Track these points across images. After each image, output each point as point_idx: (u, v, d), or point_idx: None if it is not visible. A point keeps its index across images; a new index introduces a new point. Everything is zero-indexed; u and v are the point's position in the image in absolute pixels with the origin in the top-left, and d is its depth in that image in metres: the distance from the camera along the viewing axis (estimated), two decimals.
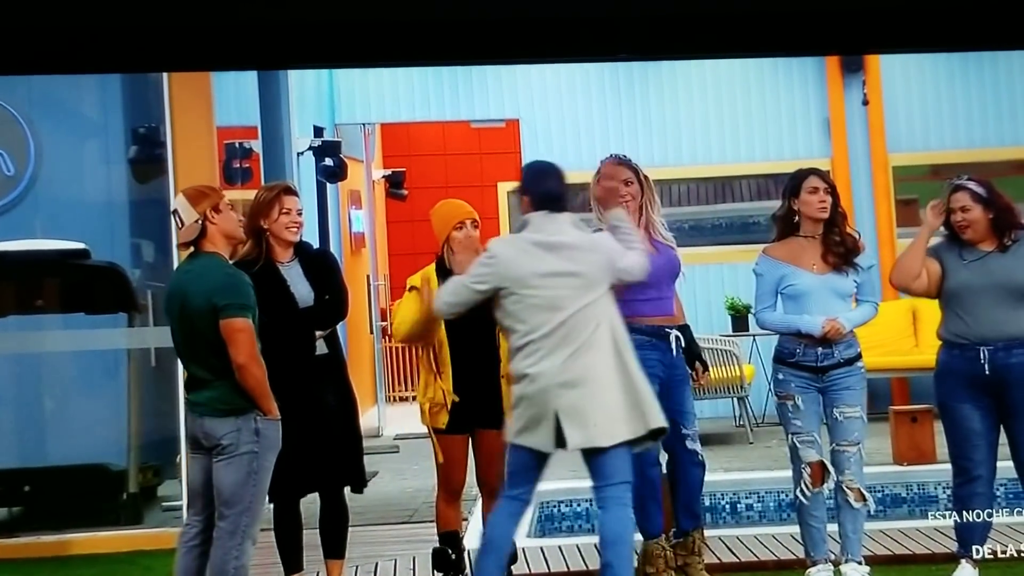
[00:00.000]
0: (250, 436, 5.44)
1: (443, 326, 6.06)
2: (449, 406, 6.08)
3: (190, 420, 5.54)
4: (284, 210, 6.05)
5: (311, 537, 6.29)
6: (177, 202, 5.57)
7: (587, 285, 5.43)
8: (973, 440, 5.99)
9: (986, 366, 5.92)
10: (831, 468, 6.19)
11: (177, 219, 5.51)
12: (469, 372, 6.10)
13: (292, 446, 5.79)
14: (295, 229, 6.09)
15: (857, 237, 6.27)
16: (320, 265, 6.25)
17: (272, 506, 6.15)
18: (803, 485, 6.22)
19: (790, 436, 6.26)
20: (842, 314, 6.15)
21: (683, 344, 6.34)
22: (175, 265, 7.17)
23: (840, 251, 6.16)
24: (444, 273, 6.01)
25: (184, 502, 6.34)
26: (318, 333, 6.11)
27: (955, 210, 6.04)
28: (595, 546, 7.27)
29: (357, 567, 6.85)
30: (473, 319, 5.96)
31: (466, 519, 7.53)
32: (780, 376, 6.28)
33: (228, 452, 5.43)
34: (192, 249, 5.53)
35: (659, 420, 5.40)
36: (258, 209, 6.08)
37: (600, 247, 5.59)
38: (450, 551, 6.26)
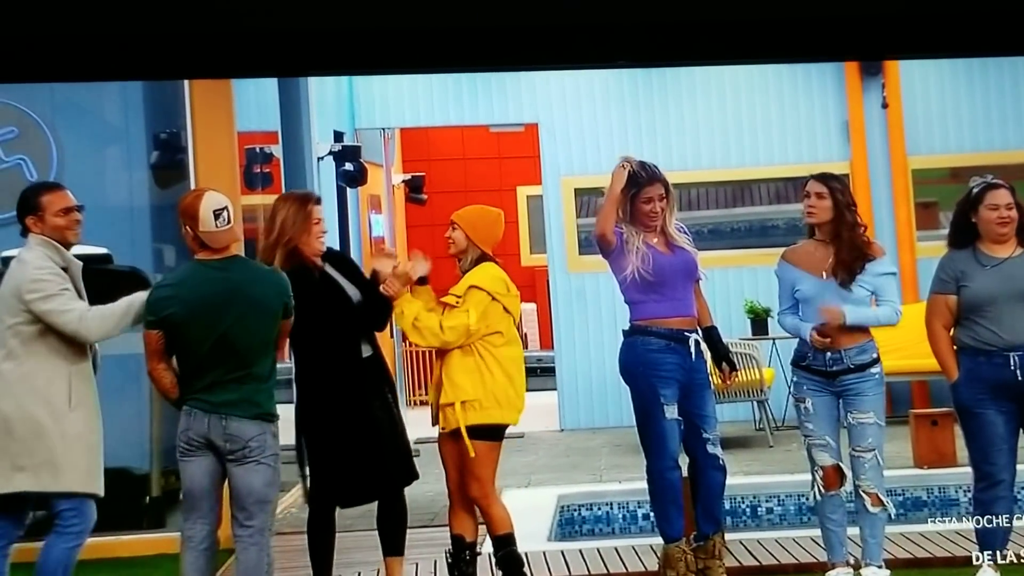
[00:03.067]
0: (272, 440, 5.57)
1: None
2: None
3: (203, 421, 5.50)
4: (315, 220, 6.09)
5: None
6: (225, 199, 5.61)
7: None
8: (997, 444, 5.97)
9: (1017, 372, 5.90)
10: (848, 472, 6.21)
11: (227, 215, 5.54)
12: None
13: (350, 454, 6.00)
14: (322, 237, 6.14)
15: (867, 245, 6.23)
16: (350, 266, 6.34)
17: (309, 511, 6.19)
18: (816, 488, 6.24)
19: (804, 439, 6.30)
20: (846, 306, 6.12)
21: (710, 345, 6.38)
22: None
23: (844, 267, 6.15)
24: None
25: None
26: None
27: (999, 206, 5.96)
28: (616, 550, 7.32)
29: (378, 570, 6.87)
30: None
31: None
32: (795, 379, 6.34)
33: (254, 456, 5.49)
34: (208, 251, 5.58)
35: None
36: (292, 224, 6.06)
37: None
38: (465, 554, 6.28)
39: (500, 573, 6.31)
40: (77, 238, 5.79)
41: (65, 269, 5.69)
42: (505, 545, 6.23)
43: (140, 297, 5.67)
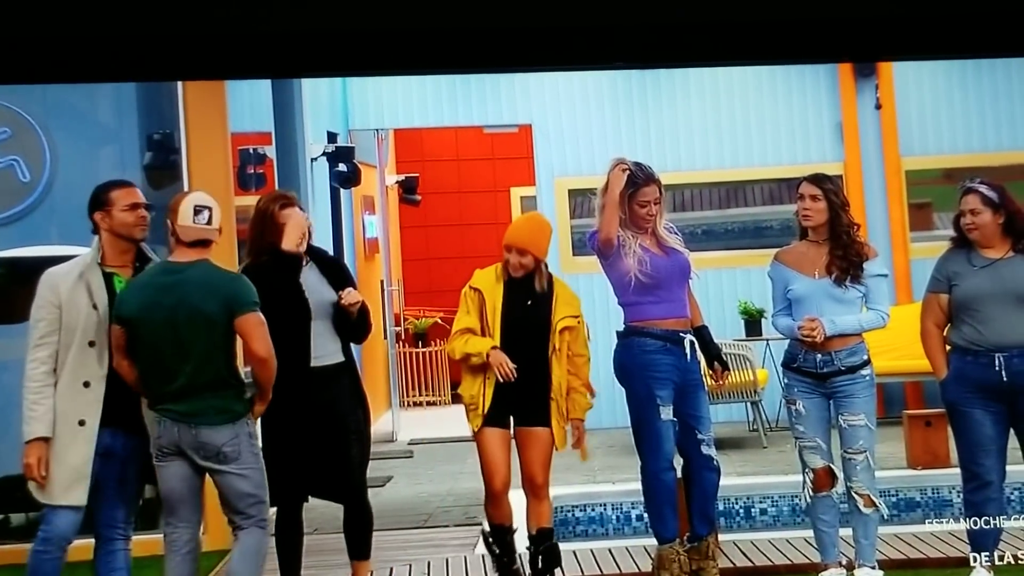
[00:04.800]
0: (248, 440, 5.50)
1: (499, 328, 6.20)
2: (484, 410, 6.18)
3: (172, 430, 5.45)
4: (280, 222, 6.03)
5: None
6: (212, 201, 5.58)
7: None
8: (985, 445, 5.99)
9: (1003, 373, 5.91)
10: (839, 473, 6.21)
11: (207, 214, 5.51)
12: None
13: (293, 451, 5.96)
14: (293, 238, 6.03)
15: (862, 245, 6.24)
16: (340, 271, 6.29)
17: (275, 512, 6.16)
18: (807, 490, 6.25)
19: (796, 441, 6.30)
20: (831, 316, 6.13)
21: (701, 344, 6.39)
22: None
23: (842, 264, 6.15)
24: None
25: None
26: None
27: (964, 212, 6.02)
28: (610, 551, 7.32)
29: (372, 572, 6.86)
30: (527, 319, 6.13)
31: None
32: (786, 380, 6.34)
33: (231, 460, 5.44)
34: (180, 251, 5.54)
35: None
36: (262, 227, 6.08)
37: None
38: (506, 537, 6.39)
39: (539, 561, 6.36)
40: (144, 234, 5.73)
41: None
42: (550, 537, 6.36)
43: (33, 412, 5.57)
